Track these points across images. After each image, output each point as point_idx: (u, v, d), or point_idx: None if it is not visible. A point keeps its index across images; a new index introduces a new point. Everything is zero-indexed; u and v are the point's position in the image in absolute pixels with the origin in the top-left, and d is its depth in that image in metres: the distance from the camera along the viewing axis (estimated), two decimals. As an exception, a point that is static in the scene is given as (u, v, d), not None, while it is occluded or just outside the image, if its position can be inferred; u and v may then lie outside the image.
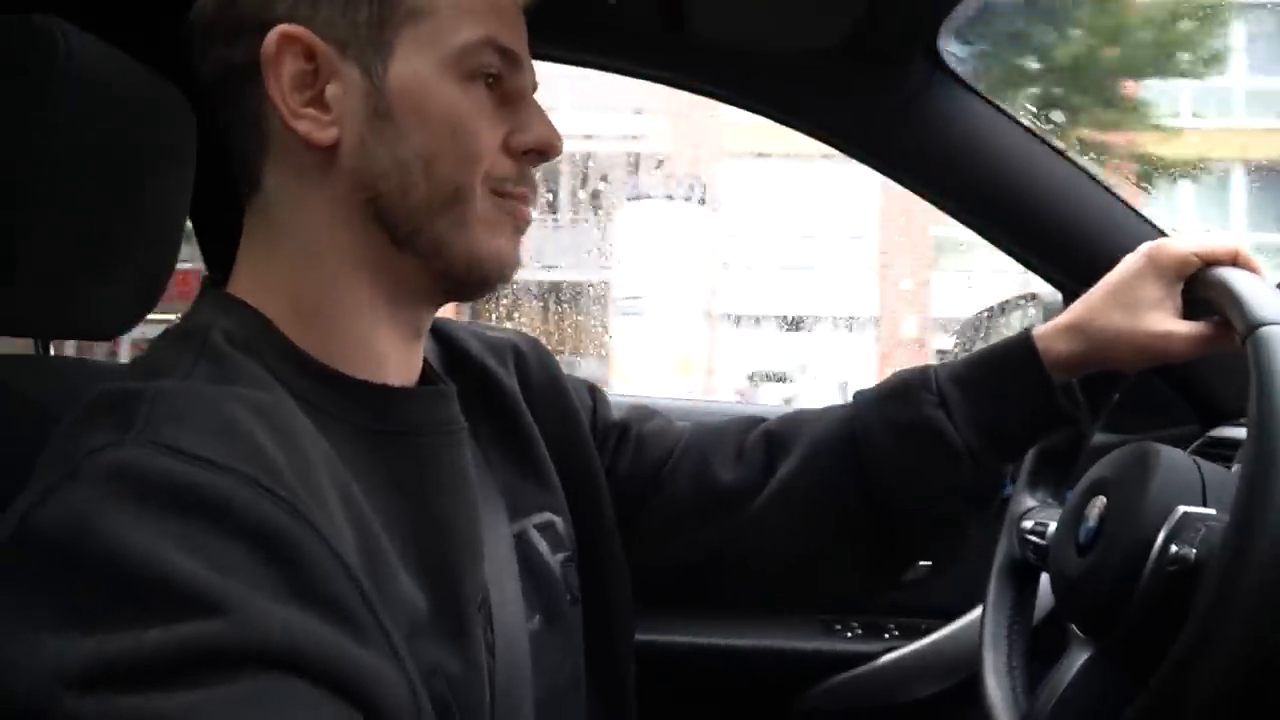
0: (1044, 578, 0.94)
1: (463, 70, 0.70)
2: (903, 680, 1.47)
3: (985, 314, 1.64)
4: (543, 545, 0.84)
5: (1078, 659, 0.79)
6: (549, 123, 0.75)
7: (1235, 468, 0.76)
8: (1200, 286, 0.83)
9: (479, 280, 0.74)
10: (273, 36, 0.66)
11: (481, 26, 0.70)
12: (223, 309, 0.69)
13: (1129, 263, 0.86)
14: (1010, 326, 1.56)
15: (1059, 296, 1.36)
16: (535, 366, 0.93)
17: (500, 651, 0.73)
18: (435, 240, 0.70)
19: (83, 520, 0.50)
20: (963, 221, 1.30)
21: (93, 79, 0.76)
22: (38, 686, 0.46)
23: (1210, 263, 0.83)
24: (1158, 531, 0.73)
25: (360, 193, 0.69)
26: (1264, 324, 0.71)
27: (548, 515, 0.86)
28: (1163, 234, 1.23)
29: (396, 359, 0.73)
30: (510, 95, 0.73)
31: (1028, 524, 0.95)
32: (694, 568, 0.95)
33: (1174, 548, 0.72)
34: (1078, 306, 0.87)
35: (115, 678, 0.46)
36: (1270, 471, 0.64)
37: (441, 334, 0.88)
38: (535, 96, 0.76)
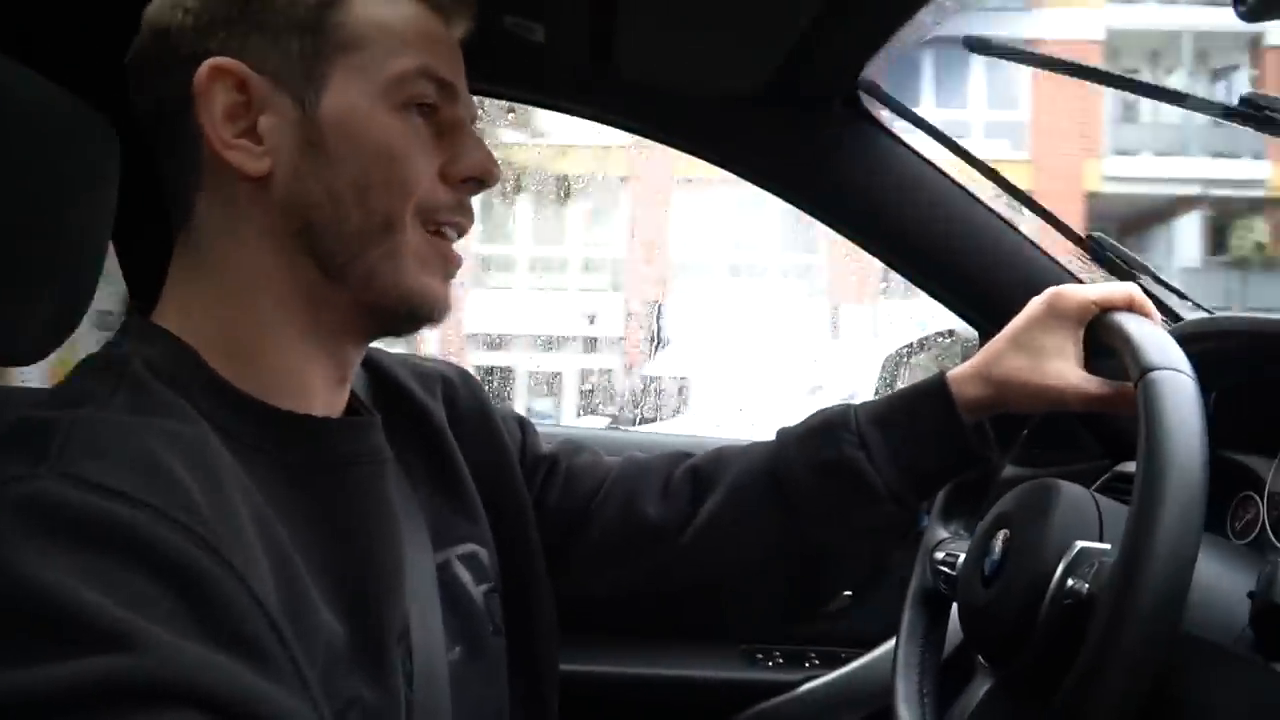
0: (955, 607, 0.97)
1: (397, 100, 0.70)
2: (822, 709, 1.49)
3: (906, 349, 1.69)
4: (466, 576, 0.84)
5: (982, 687, 0.82)
6: (487, 152, 0.76)
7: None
8: (1100, 331, 0.86)
9: (408, 314, 0.74)
10: (203, 69, 0.67)
11: (415, 57, 0.71)
12: (146, 338, 0.68)
13: (1030, 309, 0.89)
14: (925, 362, 1.61)
15: (975, 334, 1.41)
16: (464, 397, 0.94)
17: (419, 682, 0.72)
18: (367, 271, 0.70)
19: None
20: (883, 260, 1.34)
21: (13, 103, 0.75)
22: None
23: (1107, 308, 0.86)
24: (1056, 565, 0.76)
25: (293, 223, 0.69)
26: (1152, 369, 0.75)
27: (471, 546, 0.86)
28: (1074, 277, 1.28)
29: (324, 391, 0.73)
30: (447, 125, 0.74)
31: (940, 554, 0.98)
32: (620, 599, 0.97)
33: (1070, 582, 0.74)
34: (984, 352, 0.90)
35: (25, 711, 0.45)
36: (1156, 511, 0.66)
37: (370, 363, 0.88)
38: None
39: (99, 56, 1.04)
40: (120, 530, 0.51)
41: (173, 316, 0.70)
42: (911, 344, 1.74)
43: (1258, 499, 0.90)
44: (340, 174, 0.69)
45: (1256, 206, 14.46)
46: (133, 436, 0.58)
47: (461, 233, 0.77)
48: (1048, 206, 1.25)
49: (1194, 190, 14.04)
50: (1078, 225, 1.26)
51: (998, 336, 0.90)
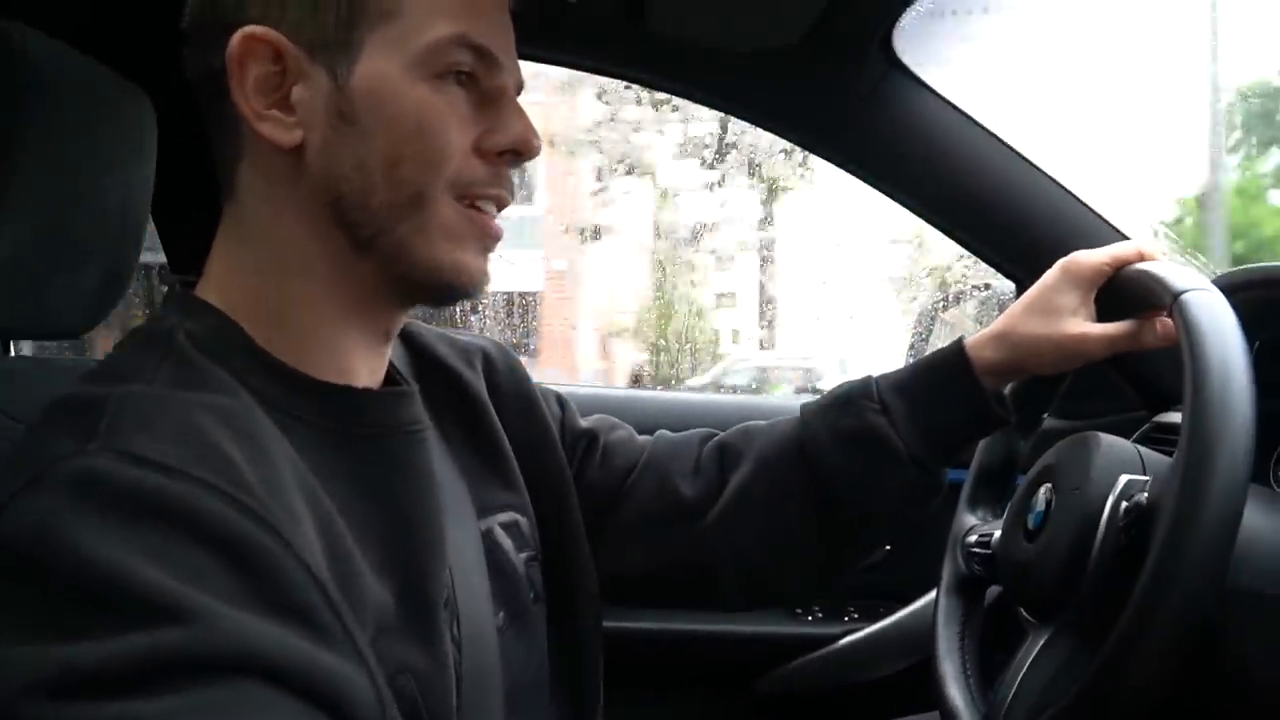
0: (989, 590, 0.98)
1: (431, 70, 0.69)
2: (862, 661, 1.50)
3: (939, 302, 1.68)
4: (508, 543, 0.85)
5: (1035, 645, 0.82)
6: (527, 123, 0.74)
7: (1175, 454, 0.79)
8: (1120, 285, 0.88)
9: (439, 288, 0.73)
10: (236, 38, 0.66)
11: (453, 24, 0.69)
12: (190, 311, 0.69)
13: (1047, 276, 0.91)
14: (964, 314, 1.60)
15: (1012, 286, 1.40)
16: (504, 371, 0.94)
17: (467, 648, 0.73)
18: (395, 245, 0.69)
19: (46, 530, 0.50)
20: (917, 214, 1.33)
21: (52, 79, 0.76)
22: (6, 697, 0.46)
23: (1121, 265, 0.88)
24: (1105, 500, 0.77)
25: (324, 195, 0.69)
26: (1184, 291, 0.77)
27: (512, 514, 0.87)
28: (1116, 230, 1.26)
29: (363, 362, 0.74)
30: (487, 95, 0.72)
31: (971, 539, 0.99)
32: (655, 574, 0.97)
33: (1125, 503, 0.76)
34: (1002, 318, 0.92)
35: (84, 686, 0.46)
36: (1212, 413, 0.68)
37: (409, 337, 0.89)
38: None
39: (134, 29, 1.06)
40: (171, 504, 0.52)
41: (216, 289, 0.71)
42: (945, 297, 1.73)
43: (1304, 449, 0.90)
44: (369, 146, 0.68)
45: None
46: (179, 411, 0.58)
47: (501, 205, 0.75)
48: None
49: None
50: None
51: (1014, 303, 0.92)
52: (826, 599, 1.58)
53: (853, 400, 0.92)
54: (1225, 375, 0.69)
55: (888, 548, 1.53)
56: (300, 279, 0.70)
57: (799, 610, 1.57)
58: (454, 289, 0.73)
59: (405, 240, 0.70)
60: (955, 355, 0.91)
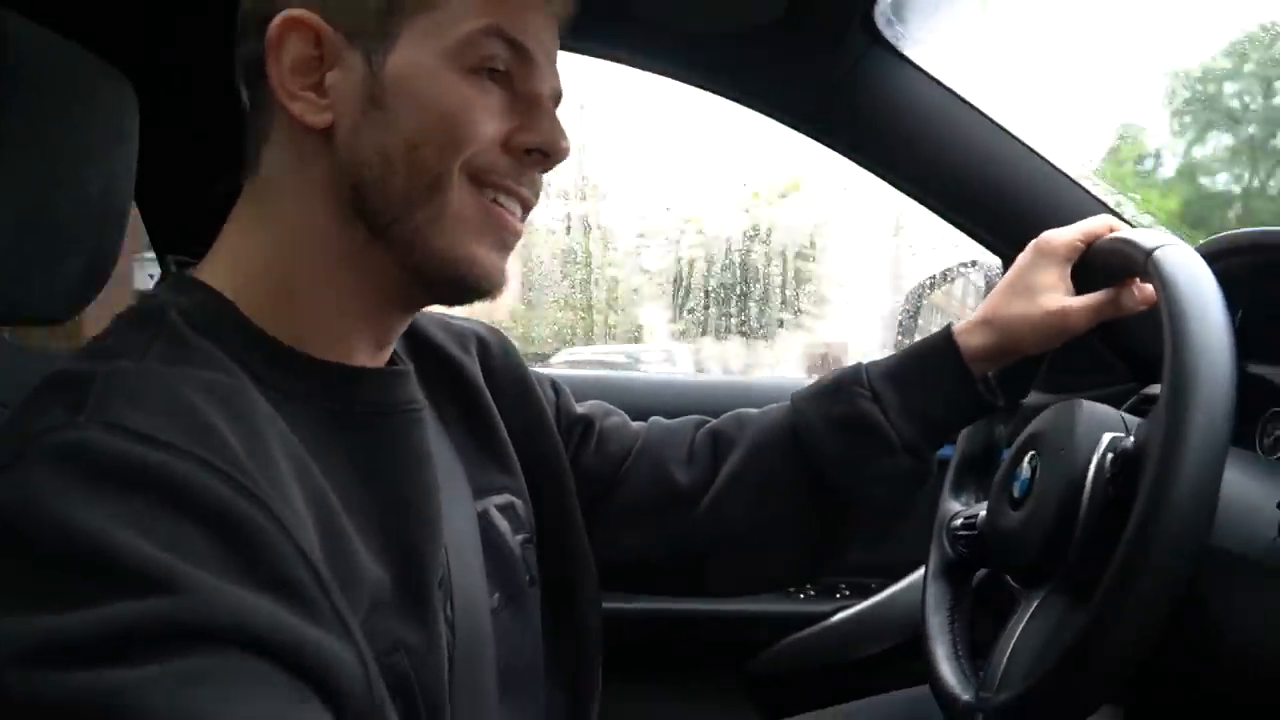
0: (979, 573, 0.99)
1: (465, 62, 0.69)
2: (854, 638, 1.51)
3: (929, 281, 1.68)
4: (503, 525, 0.85)
5: (1024, 613, 0.83)
6: (560, 128, 0.74)
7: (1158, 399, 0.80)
8: (1093, 258, 0.90)
9: (453, 282, 0.72)
10: (278, 20, 0.67)
11: (488, 15, 0.69)
12: (181, 289, 0.69)
13: (1021, 257, 0.94)
14: (952, 293, 1.60)
15: (999, 263, 1.40)
16: (499, 355, 0.95)
17: (461, 627, 0.73)
18: (412, 233, 0.69)
19: (32, 501, 0.50)
20: (902, 191, 1.33)
21: (34, 65, 0.75)
22: None
23: (1092, 239, 0.91)
24: (1090, 458, 0.78)
25: (347, 179, 0.69)
26: (1155, 248, 0.79)
27: (508, 497, 0.87)
28: (1101, 203, 1.26)
29: (364, 352, 0.74)
30: (521, 96, 0.72)
31: (956, 523, 1.00)
32: (649, 560, 0.98)
33: (1110, 454, 0.77)
34: (985, 303, 0.93)
35: (67, 654, 0.46)
36: (1192, 351, 0.69)
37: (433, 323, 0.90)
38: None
39: (117, 15, 1.05)
40: (159, 476, 0.52)
41: (220, 268, 0.71)
42: (934, 276, 1.73)
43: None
44: (394, 133, 0.68)
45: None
46: (170, 386, 0.58)
47: (525, 206, 0.74)
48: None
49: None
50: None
51: (995, 288, 0.94)
52: (817, 582, 1.59)
53: (843, 387, 0.93)
54: (1203, 318, 0.71)
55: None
56: (314, 261, 0.70)
57: (790, 589, 1.57)
58: (467, 283, 0.72)
59: (421, 228, 0.69)
60: (944, 342, 0.92)
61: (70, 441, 0.53)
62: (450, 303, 0.78)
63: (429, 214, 0.69)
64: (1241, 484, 0.75)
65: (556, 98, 0.76)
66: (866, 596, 1.54)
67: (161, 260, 1.31)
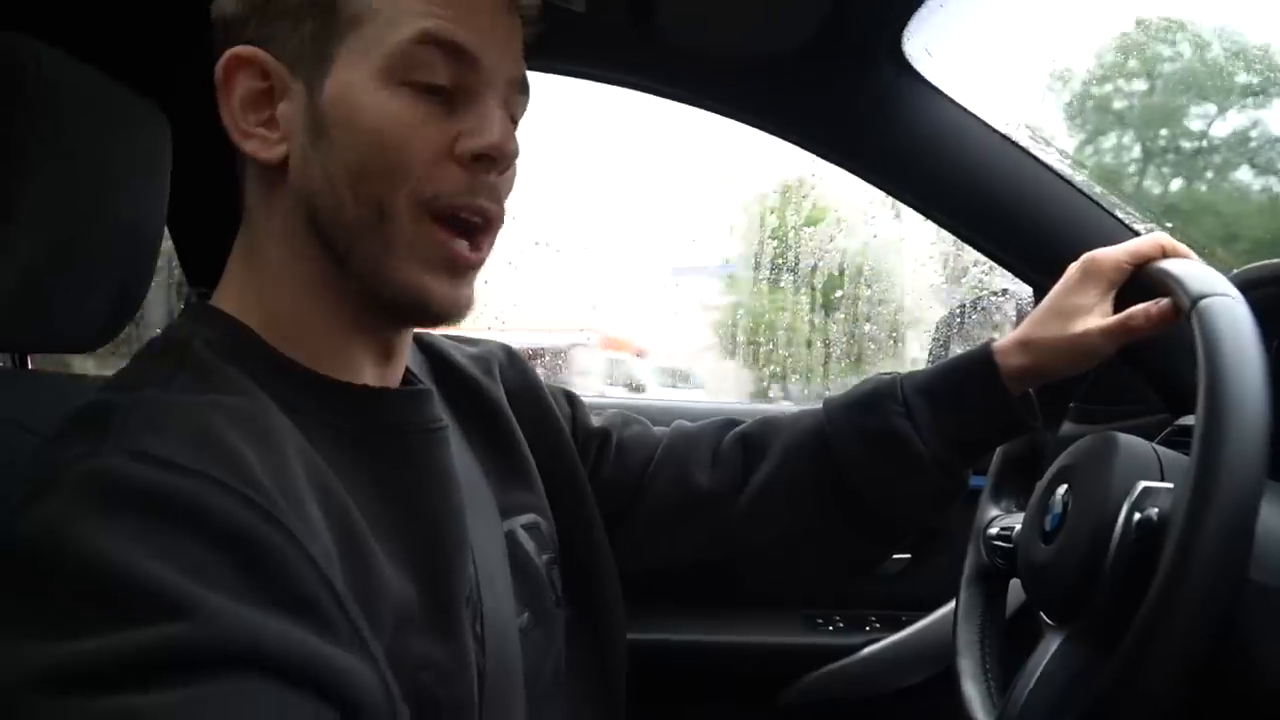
0: (1013, 582, 0.96)
1: (397, 75, 0.67)
2: (884, 671, 1.49)
3: (959, 309, 1.66)
4: (530, 545, 0.85)
5: (1050, 647, 0.81)
6: (503, 126, 0.70)
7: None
8: (1143, 282, 0.86)
9: (407, 310, 0.71)
10: (223, 60, 0.68)
11: (419, 21, 0.67)
12: (205, 320, 0.70)
13: (1066, 276, 0.90)
14: (985, 321, 1.58)
15: (1030, 291, 1.39)
16: (514, 375, 0.95)
17: (490, 646, 0.73)
18: (367, 262, 0.69)
19: (54, 529, 0.51)
20: (932, 219, 1.32)
21: (65, 95, 0.76)
22: (13, 692, 0.47)
23: (1142, 263, 0.87)
24: (1119, 509, 0.75)
25: (303, 210, 0.69)
26: (1203, 296, 0.75)
27: (533, 516, 0.87)
28: (1132, 230, 1.25)
29: (371, 369, 0.74)
30: (461, 97, 0.69)
31: (993, 530, 0.98)
32: (677, 569, 0.97)
33: (1137, 515, 0.74)
34: (1025, 322, 0.91)
35: (88, 680, 0.47)
36: (1225, 421, 0.66)
37: (425, 345, 0.89)
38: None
39: (150, 45, 1.07)
40: (178, 500, 0.53)
41: (231, 299, 0.72)
42: (965, 305, 1.72)
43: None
44: (337, 159, 0.67)
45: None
46: (192, 412, 0.59)
47: (487, 219, 0.71)
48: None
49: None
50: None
51: (1037, 307, 0.91)
52: (850, 603, 1.56)
53: (878, 400, 0.92)
54: (1240, 382, 0.68)
55: (908, 556, 1.52)
56: (297, 288, 0.71)
57: (820, 620, 1.55)
58: (428, 311, 0.71)
59: (376, 257, 0.69)
60: (982, 360, 0.90)
61: (93, 469, 0.53)
62: (422, 326, 0.77)
63: (380, 244, 0.68)
64: (1275, 517, 0.73)
65: (519, 87, 0.74)
66: (897, 629, 1.52)
67: (195, 290, 1.32)
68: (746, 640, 1.53)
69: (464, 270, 0.72)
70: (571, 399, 1.01)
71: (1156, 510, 0.73)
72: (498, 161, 0.71)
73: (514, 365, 0.96)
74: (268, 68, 0.68)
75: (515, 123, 0.75)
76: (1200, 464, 0.66)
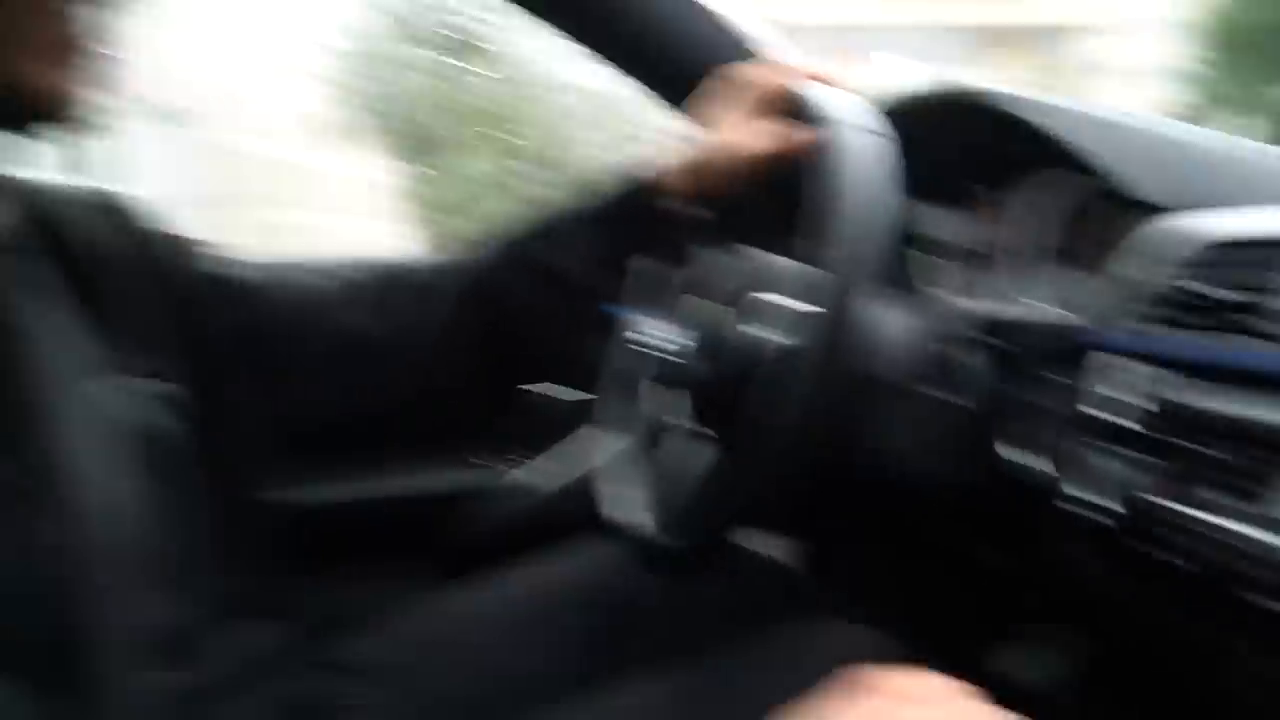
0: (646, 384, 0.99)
1: None
2: (541, 500, 1.51)
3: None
4: (148, 407, 0.78)
5: (702, 452, 0.84)
6: None
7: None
8: (785, 105, 0.88)
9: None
10: None
11: None
12: None
13: (709, 95, 0.93)
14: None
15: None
16: (132, 224, 0.86)
17: (101, 515, 0.67)
18: None
19: None
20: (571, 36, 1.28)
21: None
22: None
23: (782, 84, 0.88)
24: (747, 320, 0.80)
25: None
26: (839, 122, 0.77)
27: (153, 378, 0.80)
28: (776, 49, 1.26)
29: None
30: None
31: (632, 334, 0.98)
32: (327, 419, 0.95)
33: (759, 326, 0.78)
34: (677, 147, 0.94)
35: None
36: (837, 233, 0.69)
37: (18, 192, 0.77)
38: None
39: None
40: None
41: None
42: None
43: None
44: None
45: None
46: None
47: None
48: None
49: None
50: None
51: (682, 130, 0.97)
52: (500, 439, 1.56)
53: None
54: (854, 196, 0.70)
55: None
56: None
57: (474, 460, 1.55)
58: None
59: None
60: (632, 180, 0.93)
61: None
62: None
63: None
64: (897, 319, 0.80)
65: None
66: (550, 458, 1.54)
67: None
68: (400, 489, 1.50)
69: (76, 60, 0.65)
70: (199, 247, 0.93)
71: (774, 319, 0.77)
72: None
73: (129, 211, 0.87)
74: None
75: None
76: (813, 274, 0.70)
